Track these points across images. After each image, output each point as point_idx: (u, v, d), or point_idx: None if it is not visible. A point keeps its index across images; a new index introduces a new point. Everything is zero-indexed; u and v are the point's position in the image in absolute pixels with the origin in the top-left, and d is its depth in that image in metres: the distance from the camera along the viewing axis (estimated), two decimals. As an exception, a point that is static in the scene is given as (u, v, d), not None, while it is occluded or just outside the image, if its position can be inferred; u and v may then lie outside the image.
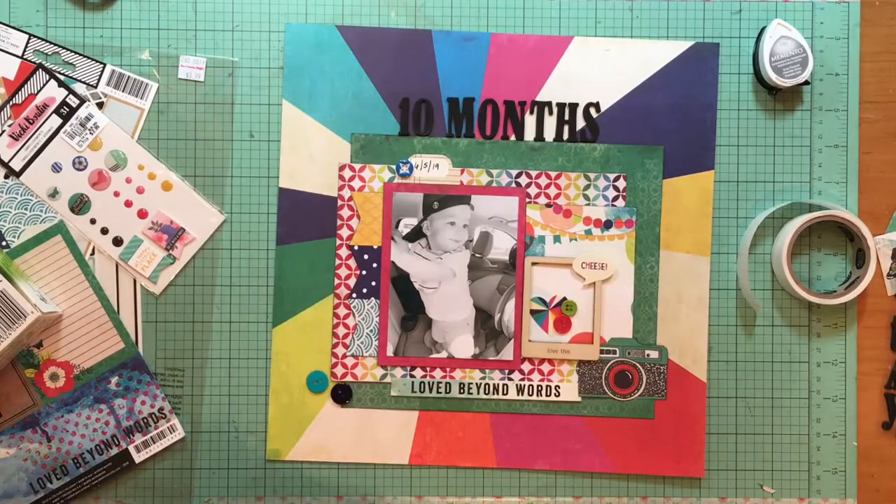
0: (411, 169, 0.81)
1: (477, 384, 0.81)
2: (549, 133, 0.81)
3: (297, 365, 0.81)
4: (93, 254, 0.80)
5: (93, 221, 0.80)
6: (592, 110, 0.81)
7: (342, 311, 0.81)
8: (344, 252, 0.81)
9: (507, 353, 0.81)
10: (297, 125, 0.81)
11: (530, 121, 0.81)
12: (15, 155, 0.79)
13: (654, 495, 0.82)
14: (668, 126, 0.81)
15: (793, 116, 0.82)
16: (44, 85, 0.80)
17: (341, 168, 0.81)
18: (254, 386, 0.81)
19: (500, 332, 0.81)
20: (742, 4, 0.82)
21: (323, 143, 0.81)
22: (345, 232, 0.81)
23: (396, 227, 0.81)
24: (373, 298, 0.81)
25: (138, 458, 0.80)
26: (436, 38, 0.81)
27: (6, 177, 0.80)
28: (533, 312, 0.81)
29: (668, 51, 0.81)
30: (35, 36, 0.80)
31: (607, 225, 0.81)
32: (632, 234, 0.81)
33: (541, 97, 0.81)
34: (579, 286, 0.81)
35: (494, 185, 0.81)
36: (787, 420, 0.82)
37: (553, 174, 0.81)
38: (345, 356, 0.81)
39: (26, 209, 0.80)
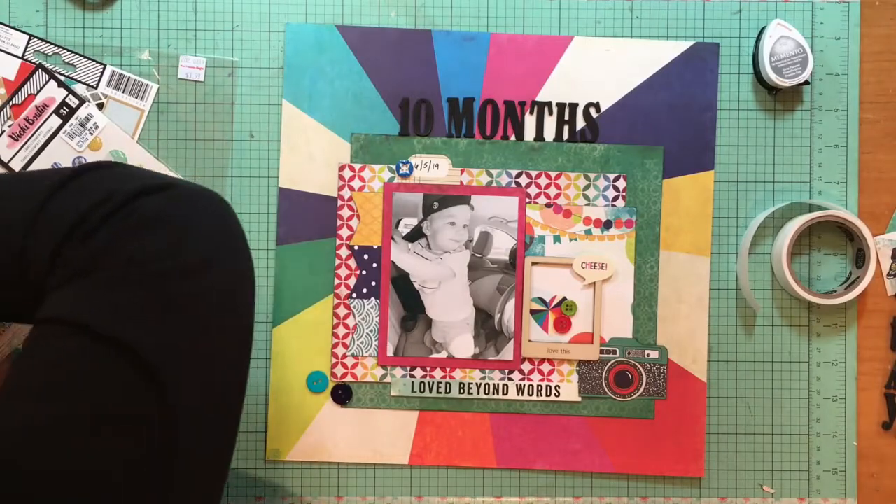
0: (411, 169, 0.81)
1: (477, 384, 0.81)
2: (549, 133, 0.81)
3: (297, 365, 0.81)
4: (93, 254, 0.80)
5: (93, 221, 0.80)
6: (592, 110, 0.81)
7: (342, 311, 0.81)
8: (344, 252, 0.81)
9: (507, 353, 0.81)
10: (297, 125, 0.81)
11: (530, 121, 0.81)
12: (15, 155, 0.79)
13: (654, 495, 0.82)
14: (668, 126, 0.81)
15: (793, 116, 0.82)
16: (44, 85, 0.80)
17: (341, 168, 0.81)
18: (254, 386, 0.81)
19: (500, 332, 0.81)
20: (742, 4, 0.82)
21: (323, 143, 0.81)
22: (345, 232, 0.81)
23: (396, 227, 0.81)
24: (373, 298, 0.81)
25: (138, 458, 0.80)
26: (436, 38, 0.81)
27: (6, 177, 0.80)
28: (533, 312, 0.81)
29: (668, 51, 0.81)
30: (35, 36, 0.80)
31: (607, 225, 0.81)
32: (632, 234, 0.81)
33: (541, 97, 0.81)
34: (579, 286, 0.81)
35: (494, 185, 0.81)
36: (787, 420, 0.82)
37: (553, 174, 0.81)
38: (345, 356, 0.81)
39: (26, 209, 0.80)
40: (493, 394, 0.81)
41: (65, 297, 0.53)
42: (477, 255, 0.81)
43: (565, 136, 0.81)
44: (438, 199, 0.81)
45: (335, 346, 0.81)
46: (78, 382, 0.51)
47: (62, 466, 0.49)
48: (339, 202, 0.81)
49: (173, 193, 0.57)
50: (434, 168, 0.81)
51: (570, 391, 0.81)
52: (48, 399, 0.51)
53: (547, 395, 0.81)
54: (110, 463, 0.50)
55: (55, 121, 0.80)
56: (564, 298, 0.81)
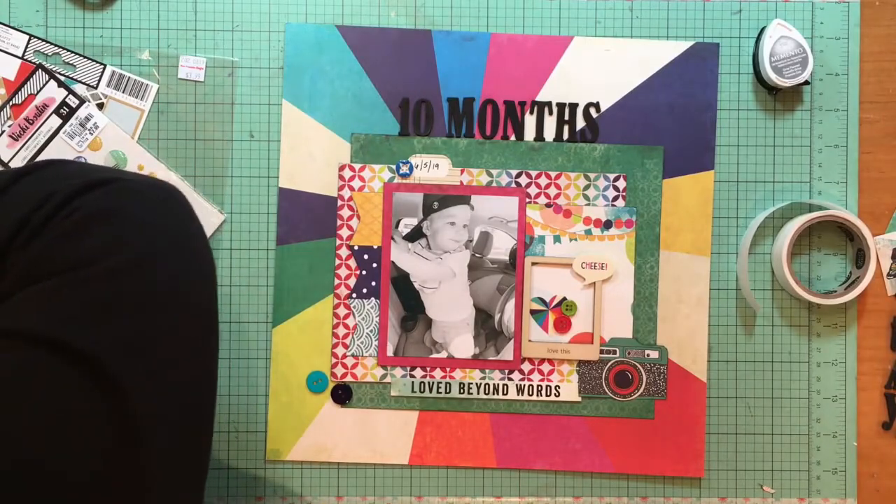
0: (411, 169, 0.81)
1: (477, 384, 0.81)
2: (549, 133, 0.81)
3: (297, 365, 0.81)
4: (93, 254, 0.80)
5: (93, 221, 0.80)
6: (592, 110, 0.81)
7: (342, 311, 0.81)
8: (344, 252, 0.81)
9: (507, 353, 0.81)
10: (297, 125, 0.81)
11: (530, 121, 0.81)
12: (15, 155, 0.79)
13: (654, 495, 0.82)
14: (668, 126, 0.81)
15: (793, 116, 0.82)
16: (44, 85, 0.80)
17: (341, 168, 0.81)
18: (254, 386, 0.81)
19: (500, 332, 0.81)
20: (742, 4, 0.82)
21: (323, 143, 0.81)
22: (345, 232, 0.81)
23: (396, 227, 0.81)
24: (373, 298, 0.81)
25: (138, 458, 0.80)
26: (436, 38, 0.81)
27: (6, 177, 0.80)
28: (533, 312, 0.81)
29: (668, 51, 0.81)
30: (35, 36, 0.80)
31: (607, 225, 0.81)
32: (632, 234, 0.81)
33: (541, 97, 0.81)
34: (579, 286, 0.81)
35: (494, 185, 0.81)
36: (787, 420, 0.82)
37: (553, 174, 0.81)
38: (345, 356, 0.81)
39: (26, 209, 0.80)
40: (493, 394, 0.81)
41: (13, 305, 0.52)
42: (477, 255, 0.81)
43: (565, 136, 0.81)
44: (438, 199, 0.81)
45: (335, 346, 0.81)
46: (32, 393, 0.49)
47: (19, 480, 0.48)
48: (339, 202, 0.81)
49: (114, 188, 0.55)
50: (434, 168, 0.81)
51: (570, 391, 0.81)
52: (3, 413, 0.49)
53: (547, 395, 0.81)
54: (71, 474, 0.48)
55: (55, 121, 0.80)
56: (564, 298, 0.81)
